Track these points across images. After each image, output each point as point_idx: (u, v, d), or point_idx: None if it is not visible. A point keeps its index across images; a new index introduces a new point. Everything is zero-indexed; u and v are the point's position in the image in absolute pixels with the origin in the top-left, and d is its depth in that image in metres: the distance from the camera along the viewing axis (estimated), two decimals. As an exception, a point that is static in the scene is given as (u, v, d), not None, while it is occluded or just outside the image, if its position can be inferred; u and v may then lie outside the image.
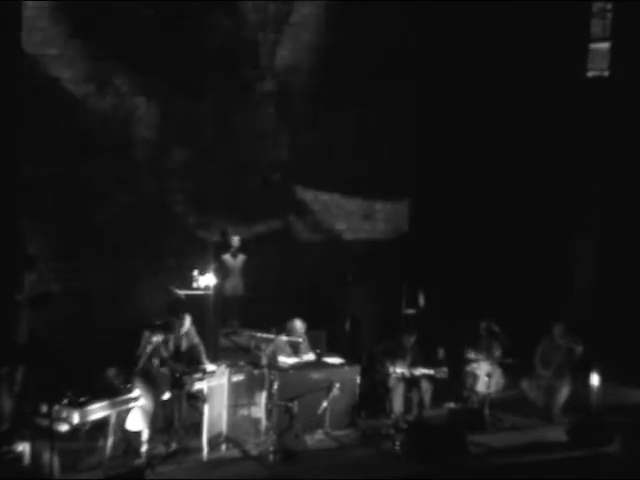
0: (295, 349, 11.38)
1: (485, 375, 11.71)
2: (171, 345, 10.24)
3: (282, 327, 11.33)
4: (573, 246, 15.13)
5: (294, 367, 11.02)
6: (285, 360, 11.12)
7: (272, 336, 10.92)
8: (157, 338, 9.87)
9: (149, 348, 9.73)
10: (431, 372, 11.32)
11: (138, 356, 9.72)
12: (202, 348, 10.65)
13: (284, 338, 11.13)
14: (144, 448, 9.51)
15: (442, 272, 14.56)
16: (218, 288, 12.45)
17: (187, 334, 10.57)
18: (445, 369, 11.28)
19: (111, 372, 9.80)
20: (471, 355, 11.92)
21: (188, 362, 10.34)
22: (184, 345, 10.51)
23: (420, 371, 11.32)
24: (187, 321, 10.55)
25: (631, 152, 14.42)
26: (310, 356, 11.45)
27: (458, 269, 14.72)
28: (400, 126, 15.50)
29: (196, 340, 10.64)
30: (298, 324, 11.45)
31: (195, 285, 12.42)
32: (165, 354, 10.02)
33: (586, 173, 15.04)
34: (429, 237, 15.18)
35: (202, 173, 14.38)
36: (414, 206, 15.67)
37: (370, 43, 15.05)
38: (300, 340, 11.37)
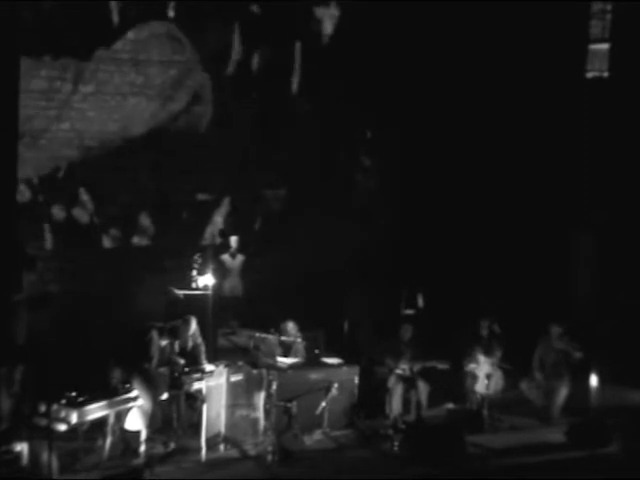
0: (288, 350, 11.39)
1: (485, 376, 11.72)
2: (176, 347, 10.33)
3: (279, 328, 11.41)
4: (571, 247, 15.13)
5: (293, 367, 11.03)
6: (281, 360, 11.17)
7: (270, 336, 11.01)
8: (164, 341, 9.99)
9: (156, 350, 9.82)
10: (433, 364, 11.35)
11: (150, 357, 9.77)
12: (203, 348, 10.73)
13: (276, 338, 11.19)
14: (142, 448, 9.55)
15: (441, 273, 14.56)
16: (217, 288, 12.46)
17: (192, 335, 10.66)
18: (446, 362, 11.32)
19: (116, 374, 9.81)
20: (471, 355, 11.91)
21: (191, 362, 10.39)
22: (189, 346, 10.61)
23: (422, 364, 11.35)
24: (193, 324, 10.66)
25: (630, 153, 14.42)
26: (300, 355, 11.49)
27: (457, 270, 14.71)
28: (400, 125, 15.50)
29: (199, 340, 10.75)
30: (290, 326, 11.51)
31: (194, 285, 12.45)
32: (172, 356, 10.17)
33: (584, 174, 15.04)
34: (428, 238, 15.16)
35: (204, 174, 14.39)
36: (413, 207, 15.64)
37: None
38: (291, 339, 11.41)
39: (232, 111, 14.54)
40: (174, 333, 10.27)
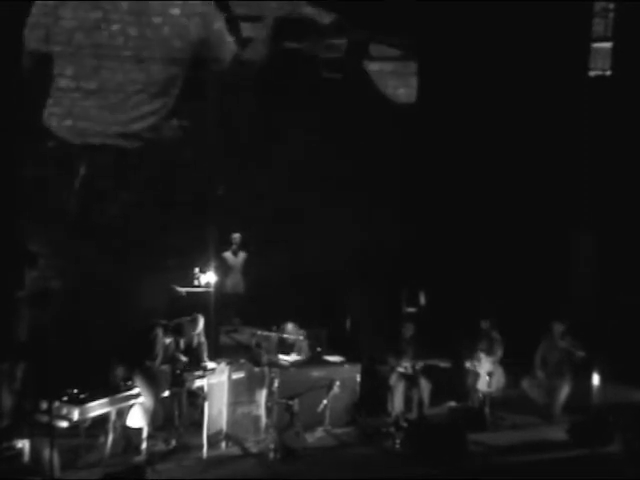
0: (290, 348, 11.39)
1: (486, 374, 11.72)
2: (182, 344, 10.34)
3: (280, 326, 11.43)
4: (571, 247, 15.13)
5: (294, 365, 11.03)
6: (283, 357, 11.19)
7: (272, 334, 11.04)
8: (168, 339, 9.99)
9: (160, 348, 9.83)
10: (434, 362, 11.37)
11: (155, 354, 9.77)
12: (205, 347, 10.72)
13: (278, 335, 11.22)
14: (144, 445, 9.52)
15: (442, 272, 14.54)
16: (219, 286, 12.46)
17: (198, 334, 10.71)
18: (448, 360, 11.34)
19: (118, 371, 9.80)
20: (472, 353, 11.91)
21: (194, 360, 10.39)
22: (194, 343, 10.62)
23: (424, 362, 11.35)
24: (201, 322, 10.67)
25: (632, 151, 14.42)
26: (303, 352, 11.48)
27: (458, 269, 14.70)
28: (399, 123, 15.47)
29: (202, 339, 10.76)
30: (289, 327, 11.54)
31: (196, 283, 12.45)
32: (175, 354, 10.19)
33: (585, 174, 15.04)
34: (429, 237, 15.15)
35: (204, 172, 14.36)
36: (413, 206, 15.63)
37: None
38: (293, 337, 11.42)
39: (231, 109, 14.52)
40: (179, 331, 10.27)
